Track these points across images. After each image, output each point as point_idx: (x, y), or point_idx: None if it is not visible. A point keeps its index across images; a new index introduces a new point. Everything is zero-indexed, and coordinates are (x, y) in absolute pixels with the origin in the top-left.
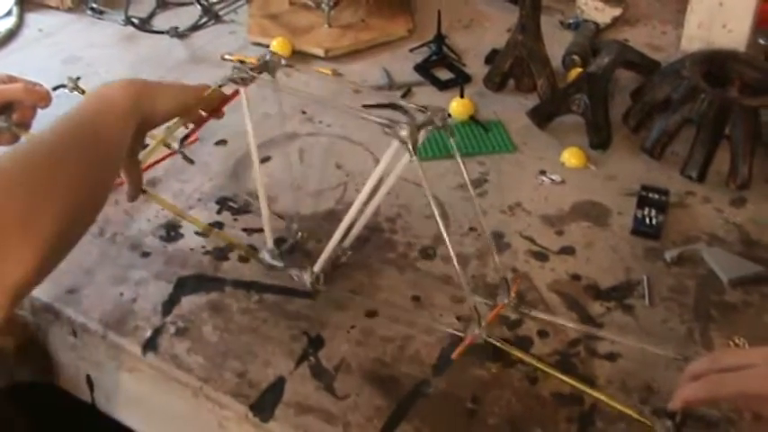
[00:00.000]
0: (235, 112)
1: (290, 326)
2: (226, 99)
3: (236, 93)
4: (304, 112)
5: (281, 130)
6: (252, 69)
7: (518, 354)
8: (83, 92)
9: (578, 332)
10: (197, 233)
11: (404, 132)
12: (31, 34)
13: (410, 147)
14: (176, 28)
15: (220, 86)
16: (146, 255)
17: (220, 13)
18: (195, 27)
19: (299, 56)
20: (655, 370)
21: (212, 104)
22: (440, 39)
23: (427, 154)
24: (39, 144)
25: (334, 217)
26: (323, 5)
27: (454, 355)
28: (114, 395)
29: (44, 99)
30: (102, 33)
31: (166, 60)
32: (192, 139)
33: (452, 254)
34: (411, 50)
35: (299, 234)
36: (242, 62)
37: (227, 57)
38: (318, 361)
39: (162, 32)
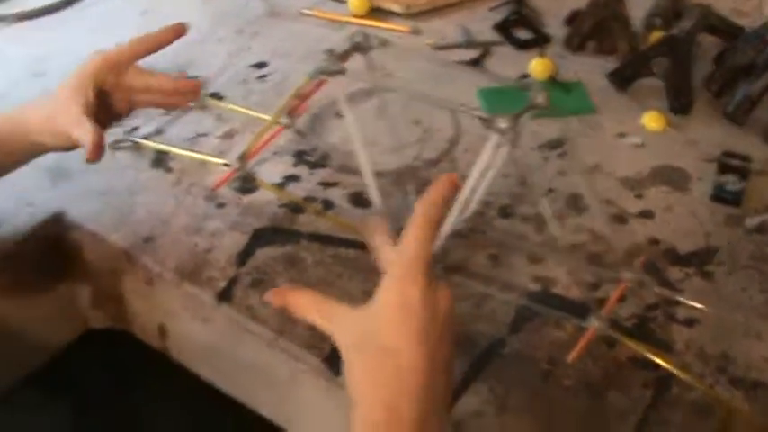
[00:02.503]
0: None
1: (364, 280)
2: (313, 89)
3: (322, 83)
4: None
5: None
6: (342, 54)
7: (634, 346)
8: (205, 103)
9: (657, 296)
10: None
11: (503, 125)
12: None
13: (510, 139)
14: None
15: (312, 79)
16: (221, 206)
17: None
18: None
19: (376, 12)
20: (732, 338)
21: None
22: None
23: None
24: None
25: (412, 173)
26: None
27: (572, 357)
28: (186, 344)
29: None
30: None
31: (244, 14)
32: (299, 111)
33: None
34: (490, 9)
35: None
36: (330, 52)
37: (305, 11)
38: None
39: None
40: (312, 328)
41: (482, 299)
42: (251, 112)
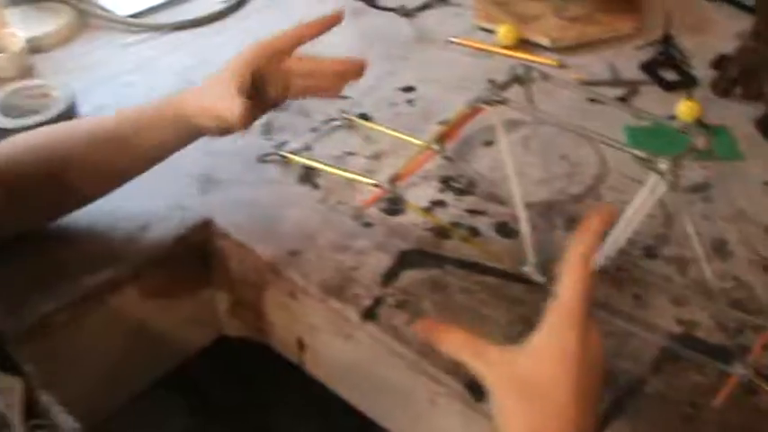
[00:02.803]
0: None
1: (509, 309)
2: (469, 116)
3: (479, 110)
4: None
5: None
6: (503, 84)
7: None
8: (352, 121)
9: None
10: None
11: (664, 166)
12: (260, 2)
13: (670, 181)
14: (404, 6)
15: (476, 108)
16: (368, 225)
17: None
18: (422, 7)
19: (524, 44)
20: None
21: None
22: (668, 39)
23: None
24: None
25: (557, 207)
26: None
27: (717, 401)
28: (325, 359)
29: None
30: (330, 6)
31: (393, 38)
32: (451, 138)
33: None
34: (637, 48)
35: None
36: (492, 82)
37: (452, 39)
38: None
39: (390, 9)
40: None
41: (625, 337)
42: (400, 135)
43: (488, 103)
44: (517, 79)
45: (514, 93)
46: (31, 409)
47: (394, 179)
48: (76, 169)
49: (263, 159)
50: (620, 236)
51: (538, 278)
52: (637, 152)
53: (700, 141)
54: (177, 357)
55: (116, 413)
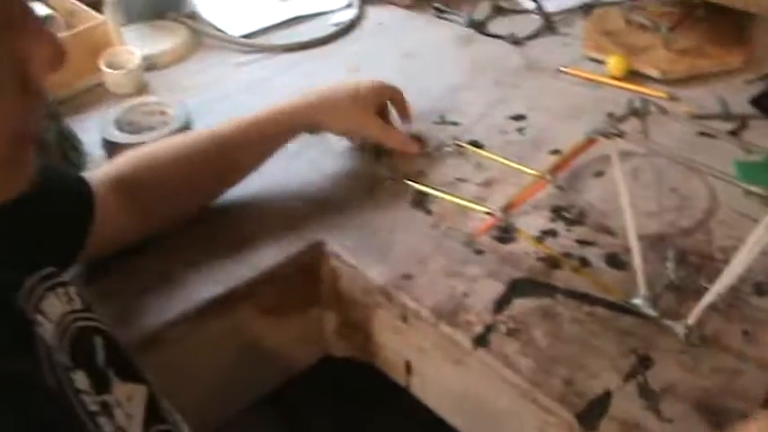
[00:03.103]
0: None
1: (620, 342)
2: (584, 147)
3: (595, 141)
4: (643, 133)
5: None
6: (621, 117)
7: None
8: (463, 148)
9: None
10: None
11: None
12: (370, 26)
13: None
14: (514, 35)
15: (591, 139)
16: (479, 252)
17: (556, 24)
18: (531, 36)
19: (634, 75)
20: None
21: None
22: None
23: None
24: None
25: (667, 240)
26: (662, 28)
27: None
28: (433, 383)
29: (416, 153)
30: (440, 32)
31: (502, 65)
32: (564, 168)
33: None
34: (747, 82)
35: (675, 274)
36: (611, 115)
37: (563, 69)
38: (646, 380)
39: (500, 37)
40: (568, 383)
41: (734, 374)
42: (512, 164)
43: (606, 135)
44: (635, 112)
45: (630, 125)
46: (153, 416)
47: (506, 207)
48: (207, 171)
49: (379, 182)
50: (732, 273)
51: (649, 311)
52: (753, 188)
53: None
54: (284, 375)
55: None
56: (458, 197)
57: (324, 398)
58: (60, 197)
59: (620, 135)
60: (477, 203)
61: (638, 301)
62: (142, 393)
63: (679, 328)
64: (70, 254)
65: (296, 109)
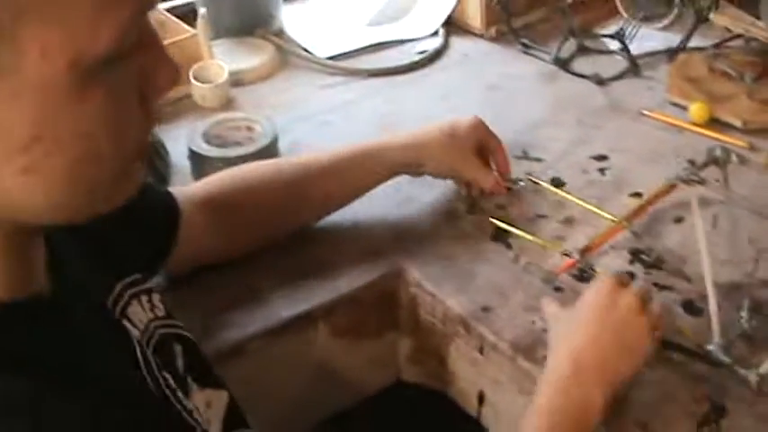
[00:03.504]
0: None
1: (694, 388)
2: (664, 193)
3: (675, 187)
4: (717, 181)
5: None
6: (702, 165)
7: None
8: (537, 182)
9: None
10: None
11: None
12: (455, 57)
13: None
14: (598, 74)
15: (672, 185)
16: (558, 290)
17: (640, 66)
18: (616, 77)
19: (715, 123)
20: None
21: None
22: None
23: None
24: None
25: (743, 290)
26: (746, 77)
27: None
28: (505, 415)
29: (502, 193)
30: (524, 67)
31: (585, 104)
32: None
33: None
34: None
35: (748, 323)
36: (692, 163)
37: (645, 112)
38: (719, 429)
39: (584, 76)
40: (644, 427)
41: None
42: (588, 206)
43: (686, 182)
44: (715, 161)
45: (710, 172)
46: (232, 420)
47: (584, 250)
48: (298, 200)
49: (458, 216)
50: None
51: (722, 358)
52: None
53: None
54: (356, 396)
55: None
56: (537, 236)
57: (389, 423)
58: (149, 208)
59: (701, 182)
60: (556, 243)
61: (711, 348)
62: (222, 399)
63: (752, 377)
64: (153, 265)
65: (395, 146)
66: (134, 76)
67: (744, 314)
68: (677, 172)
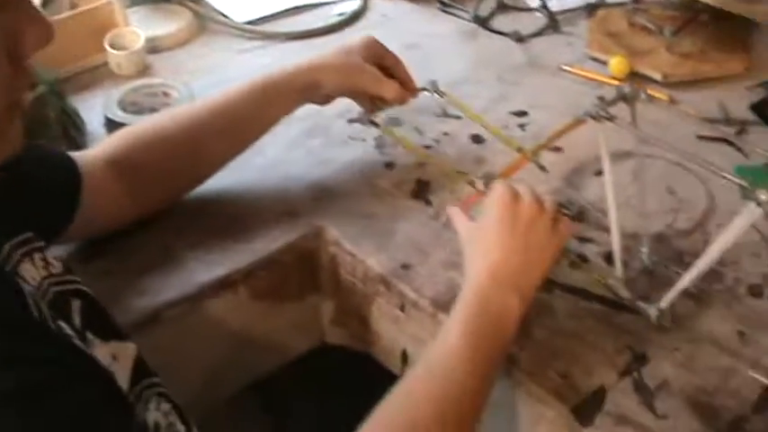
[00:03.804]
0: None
1: (616, 338)
2: (571, 128)
3: (583, 122)
4: (640, 133)
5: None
6: (610, 101)
7: None
8: (443, 94)
9: None
10: None
11: (764, 197)
12: (374, 18)
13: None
14: (518, 32)
15: (580, 120)
16: None
17: (559, 22)
18: (535, 34)
19: (635, 77)
20: None
21: (401, 100)
22: None
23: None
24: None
25: (663, 241)
26: (665, 31)
27: None
28: None
29: (406, 102)
30: (444, 26)
31: (504, 62)
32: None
33: None
34: (747, 88)
35: (648, 258)
36: (601, 99)
37: (564, 67)
38: (641, 377)
39: (504, 34)
40: (563, 376)
41: (728, 373)
42: (498, 131)
43: (595, 117)
44: (623, 98)
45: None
46: (141, 371)
47: (489, 179)
48: (210, 141)
49: (380, 172)
50: (708, 261)
51: (623, 292)
52: (737, 180)
53: None
54: (277, 361)
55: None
56: (445, 160)
57: (311, 386)
58: (46, 171)
59: (610, 118)
60: (461, 173)
61: (612, 282)
62: (129, 351)
63: (652, 311)
64: (56, 228)
65: (289, 72)
66: (1, 38)
67: (644, 250)
68: (586, 108)
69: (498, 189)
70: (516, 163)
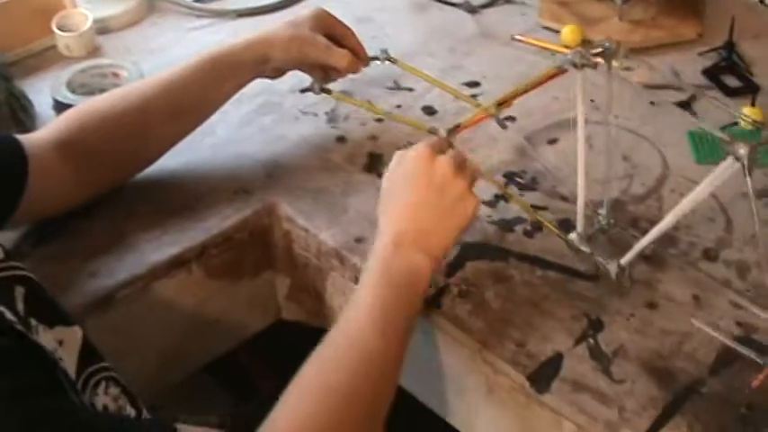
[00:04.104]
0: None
1: (571, 305)
2: (551, 76)
3: (560, 72)
4: (592, 101)
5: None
6: (594, 53)
7: None
8: (395, 61)
9: None
10: (484, 202)
11: (742, 151)
12: None
13: (746, 166)
14: (469, 2)
15: (558, 68)
16: None
17: None
18: (488, 4)
19: (588, 45)
20: None
21: (353, 69)
22: (730, 45)
23: (714, 157)
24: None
25: (619, 207)
26: None
27: (755, 385)
28: None
29: (358, 71)
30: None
31: (456, 33)
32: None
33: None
34: (700, 54)
35: (607, 221)
36: (587, 41)
37: (517, 37)
38: (597, 343)
39: (455, 5)
40: (520, 345)
41: (684, 337)
42: (452, 89)
43: (575, 65)
44: (603, 54)
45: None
46: (89, 356)
47: (452, 130)
48: (159, 118)
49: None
50: (666, 222)
51: (582, 247)
52: (719, 134)
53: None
54: (234, 339)
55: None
56: (402, 119)
57: (271, 363)
58: None
59: (592, 66)
60: (421, 124)
61: (572, 237)
62: (76, 336)
63: (612, 267)
64: (1, 212)
65: (237, 47)
66: None
67: (602, 212)
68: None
69: (419, 145)
70: (478, 115)
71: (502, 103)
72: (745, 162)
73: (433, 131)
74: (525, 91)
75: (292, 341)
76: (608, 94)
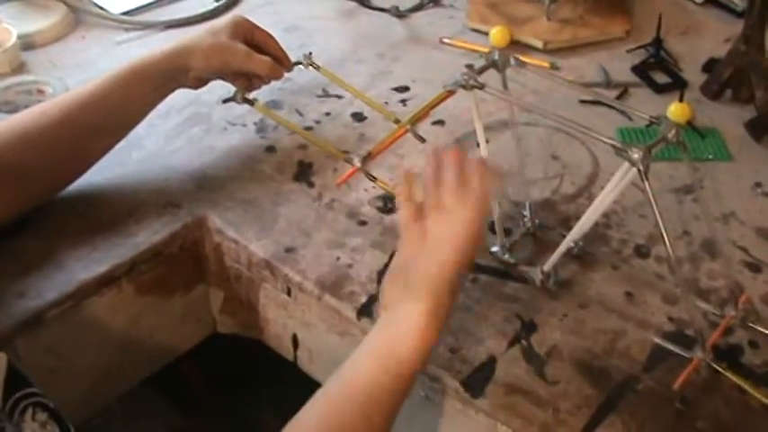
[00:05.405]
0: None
1: (504, 308)
2: (444, 98)
3: (451, 93)
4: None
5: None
6: (480, 69)
7: (737, 380)
8: (317, 67)
9: None
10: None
11: (636, 155)
12: (252, 2)
13: (642, 171)
14: (397, 7)
15: (450, 91)
16: (362, 223)
17: None
18: (415, 8)
19: (516, 46)
20: None
21: (275, 75)
22: (658, 42)
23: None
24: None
25: (550, 207)
26: None
27: (677, 385)
28: (320, 356)
29: (281, 77)
30: (323, 6)
31: (385, 38)
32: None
33: (671, 253)
34: (628, 51)
35: (531, 222)
36: (470, 67)
37: (445, 40)
38: (530, 345)
39: (383, 10)
40: (453, 350)
41: (617, 335)
42: (372, 102)
43: (465, 86)
44: (493, 64)
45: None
46: (15, 382)
47: (367, 157)
48: (82, 134)
49: (263, 157)
50: (587, 221)
51: (506, 258)
52: (610, 141)
53: (671, 133)
54: (170, 355)
55: (103, 411)
56: (319, 141)
57: (211, 376)
58: None
59: (480, 87)
60: (339, 151)
61: (495, 249)
62: (0, 363)
63: (535, 275)
64: None
65: (154, 57)
66: None
67: (526, 214)
68: (455, 78)
69: (401, 211)
70: (394, 135)
71: (415, 120)
72: (641, 167)
73: (348, 161)
74: (426, 112)
75: (232, 352)
76: (509, 101)
